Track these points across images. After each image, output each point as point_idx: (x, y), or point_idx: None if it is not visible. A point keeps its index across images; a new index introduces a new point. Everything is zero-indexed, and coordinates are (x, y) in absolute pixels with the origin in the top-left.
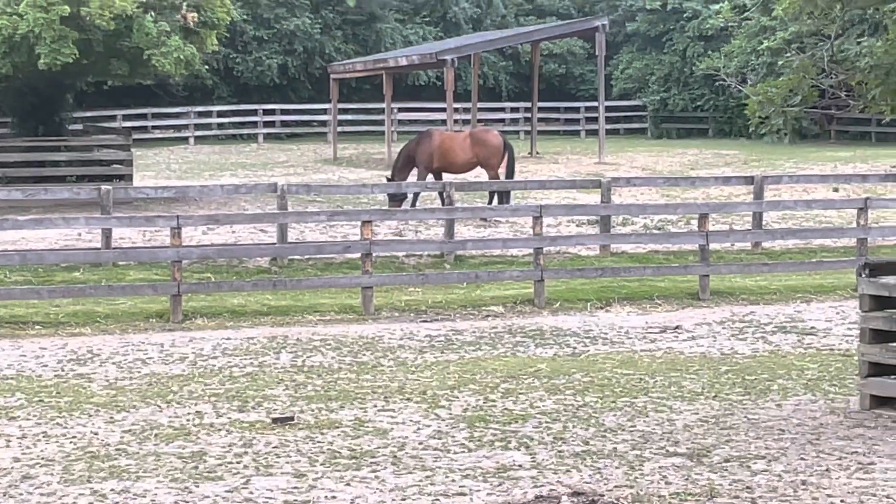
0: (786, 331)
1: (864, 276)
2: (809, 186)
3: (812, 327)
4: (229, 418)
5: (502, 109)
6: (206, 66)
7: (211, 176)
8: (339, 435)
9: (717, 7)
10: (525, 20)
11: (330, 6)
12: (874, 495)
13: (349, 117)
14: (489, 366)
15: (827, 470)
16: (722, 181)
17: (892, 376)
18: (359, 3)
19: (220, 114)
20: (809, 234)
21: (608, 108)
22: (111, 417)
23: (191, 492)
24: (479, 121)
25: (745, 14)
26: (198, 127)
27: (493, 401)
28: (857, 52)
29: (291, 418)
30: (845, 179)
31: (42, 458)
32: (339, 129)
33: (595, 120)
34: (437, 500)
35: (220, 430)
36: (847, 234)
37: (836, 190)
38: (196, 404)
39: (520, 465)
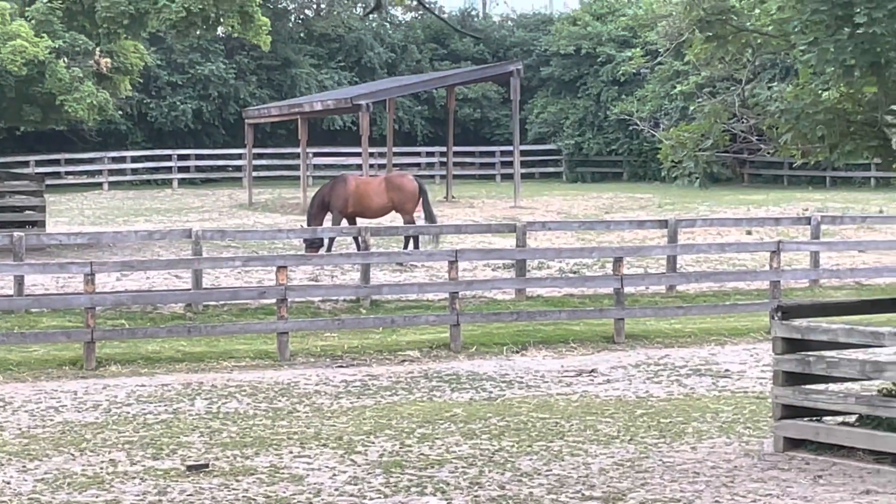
0: (700, 373)
1: (777, 318)
2: (723, 229)
3: (726, 370)
4: (143, 466)
5: (418, 154)
6: (120, 112)
7: (125, 222)
8: (254, 482)
9: (629, 53)
10: (440, 65)
11: (244, 51)
12: None
13: (264, 162)
14: (405, 411)
15: None
16: (636, 225)
17: (806, 418)
18: (273, 48)
19: (135, 159)
20: (723, 277)
21: (523, 152)
22: (24, 466)
23: None
24: (395, 165)
25: (658, 59)
26: (112, 172)
27: (410, 446)
28: (768, 97)
29: (206, 465)
30: (758, 223)
31: None
32: (255, 173)
33: (510, 164)
34: None
35: (134, 477)
36: (760, 276)
37: (749, 233)
38: (110, 452)
39: None
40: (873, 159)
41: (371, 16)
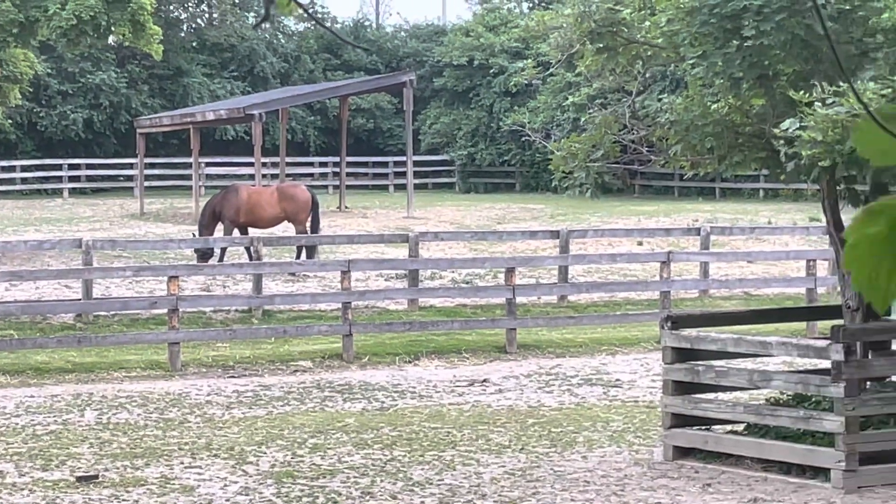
0: (591, 383)
1: (666, 328)
2: (614, 240)
3: (617, 379)
4: (32, 478)
5: (311, 164)
6: (10, 121)
7: (14, 231)
8: (144, 493)
9: (522, 64)
10: (333, 75)
11: (136, 60)
12: None
13: (156, 172)
14: (297, 421)
15: None
16: (529, 235)
17: (695, 427)
18: (165, 58)
19: (24, 168)
20: (614, 288)
21: (416, 163)
22: None
23: None
24: (288, 175)
25: (550, 71)
26: (1, 182)
27: (301, 456)
28: (658, 108)
29: (96, 476)
30: (649, 233)
31: None
32: (146, 183)
33: (403, 174)
34: None
35: (22, 489)
36: (651, 287)
37: (640, 244)
38: None
39: None
40: (762, 171)
41: (263, 25)
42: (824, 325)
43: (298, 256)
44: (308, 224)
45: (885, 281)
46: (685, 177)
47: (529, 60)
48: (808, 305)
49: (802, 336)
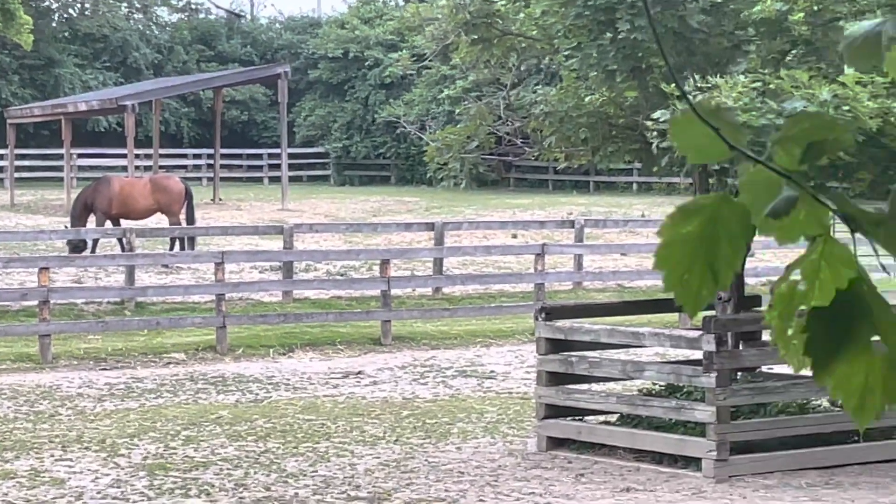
0: (466, 375)
1: (540, 319)
2: (489, 232)
3: (492, 371)
4: None
5: (184, 156)
6: None
7: None
8: (14, 486)
9: (397, 55)
10: (207, 66)
11: (6, 50)
12: None
13: (27, 163)
14: (170, 413)
15: None
16: (404, 227)
17: (569, 418)
18: (36, 48)
19: None
20: (489, 280)
21: (291, 156)
22: None
23: None
24: (161, 167)
25: (424, 62)
26: None
27: (174, 448)
28: (533, 100)
29: None
30: (524, 226)
31: None
32: (17, 174)
33: (278, 166)
34: None
35: None
36: (525, 279)
37: (514, 236)
38: None
39: None
40: (635, 163)
41: (141, 15)
42: (697, 316)
43: (172, 248)
44: (183, 216)
45: (696, 283)
46: (559, 169)
47: (404, 51)
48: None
49: (675, 327)
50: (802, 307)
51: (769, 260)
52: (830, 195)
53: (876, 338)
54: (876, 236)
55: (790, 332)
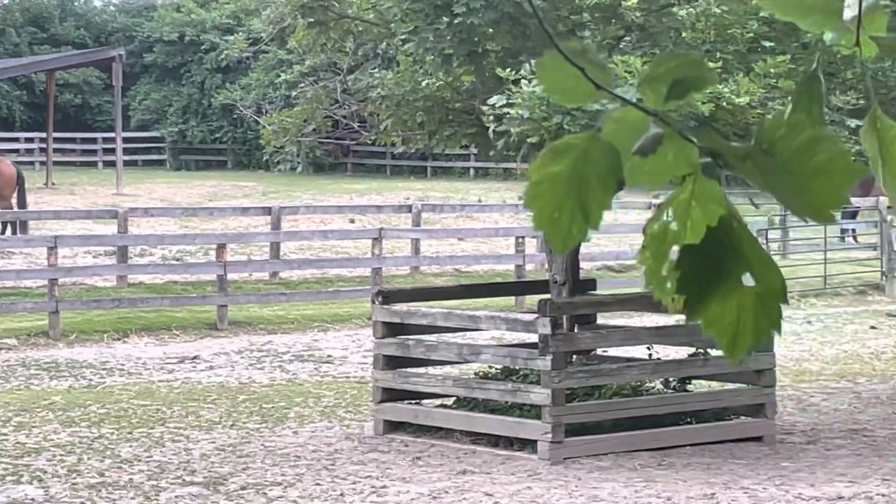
0: (303, 359)
1: (377, 303)
2: (327, 217)
3: (329, 355)
4: None
5: (16, 139)
6: None
7: None
8: None
9: (232, 38)
10: (39, 49)
11: None
12: None
13: None
14: (1, 399)
15: (341, 494)
16: (241, 212)
17: (406, 401)
18: None
19: None
20: (326, 264)
21: (127, 140)
22: None
23: None
24: None
25: (261, 46)
26: None
27: (6, 434)
28: (370, 84)
29: None
30: (361, 210)
31: None
32: None
33: (113, 151)
34: None
35: None
36: (362, 263)
37: (352, 221)
38: None
39: (32, 499)
40: (472, 147)
41: None
42: (533, 299)
43: (3, 232)
44: (14, 200)
45: (566, 221)
46: (397, 155)
47: (240, 34)
48: (516, 281)
49: (512, 311)
50: (675, 247)
51: (605, 245)
52: (696, 131)
53: (746, 275)
54: (743, 170)
55: (664, 272)
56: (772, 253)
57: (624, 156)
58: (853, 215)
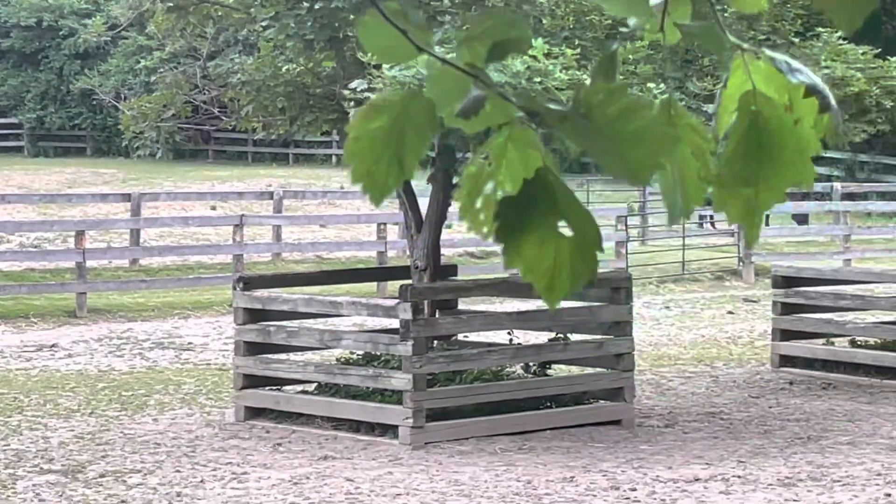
0: (164, 346)
1: (238, 289)
2: (187, 204)
3: (190, 343)
4: None
5: None
6: None
7: None
8: None
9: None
10: None
11: None
12: (247, 503)
13: None
14: None
15: (202, 481)
16: (100, 198)
17: (266, 388)
18: None
19: None
20: (187, 251)
21: None
22: None
23: None
24: None
25: (120, 31)
26: None
27: None
28: (230, 69)
29: None
30: (222, 197)
31: None
32: None
33: None
34: None
35: None
36: (224, 250)
37: (213, 208)
38: None
39: None
40: (334, 135)
41: None
42: (395, 285)
43: None
44: None
45: (383, 175)
46: (259, 142)
47: (98, 18)
48: (378, 266)
49: (374, 297)
50: (489, 185)
51: (465, 232)
52: (516, 93)
53: (562, 223)
54: (562, 131)
55: (478, 206)
56: (631, 239)
57: (442, 107)
58: (708, 202)
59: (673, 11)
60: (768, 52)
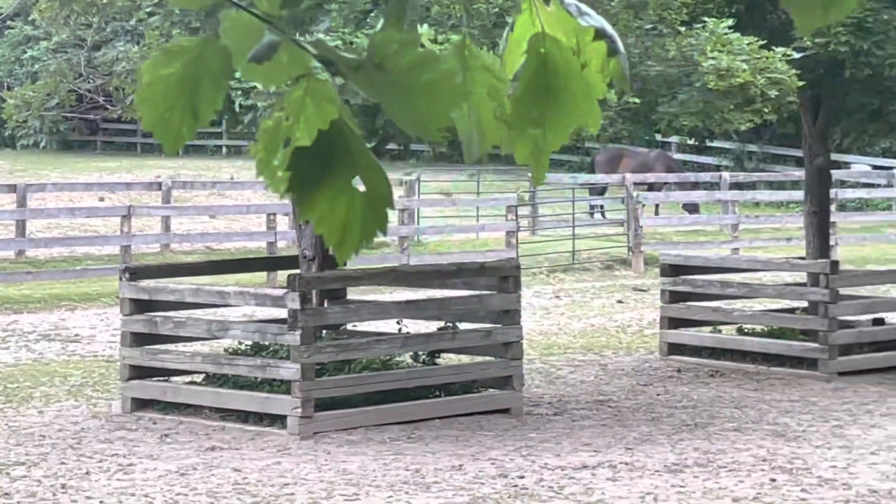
0: (50, 339)
1: (124, 279)
2: (75, 195)
3: (76, 334)
4: None
5: None
6: None
7: None
8: None
9: None
10: None
11: None
12: (133, 495)
13: None
14: None
15: (87, 473)
16: None
17: (153, 379)
18: None
19: None
20: (74, 243)
21: None
22: None
23: None
24: None
25: (3, 19)
26: None
27: None
28: (115, 57)
29: None
30: (110, 188)
31: None
32: None
33: None
34: None
35: None
36: (111, 241)
37: (101, 199)
38: None
39: None
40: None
41: None
42: (285, 275)
43: None
44: None
45: (177, 123)
46: (148, 133)
47: None
48: (266, 256)
49: (264, 287)
50: (287, 138)
51: None
52: (311, 41)
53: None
54: (355, 81)
55: (276, 162)
56: (521, 229)
57: (238, 55)
58: (602, 192)
59: None
60: None
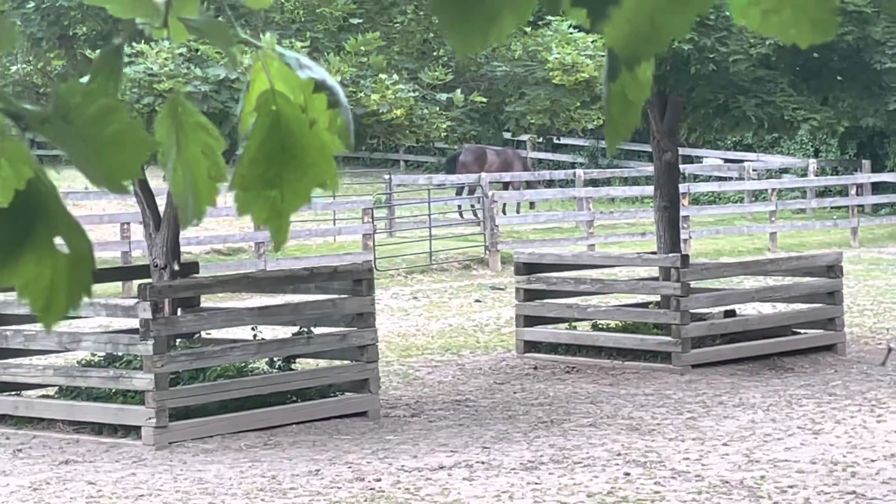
0: None
1: None
2: None
3: None
4: None
5: None
6: None
7: None
8: None
9: None
10: None
11: None
12: None
13: None
14: None
15: None
16: None
17: (4, 393)
18: None
19: None
20: None
21: None
22: None
23: None
24: None
25: None
26: None
27: None
28: None
29: None
30: None
31: None
32: None
33: None
34: None
35: None
36: None
37: None
38: None
39: None
40: None
41: None
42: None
43: None
44: None
45: None
46: None
47: None
48: (121, 266)
49: (118, 298)
50: None
51: (214, 228)
52: None
53: (59, 239)
54: (44, 133)
55: None
56: (378, 231)
57: None
58: (473, 191)
59: (179, 8)
60: (279, 49)
